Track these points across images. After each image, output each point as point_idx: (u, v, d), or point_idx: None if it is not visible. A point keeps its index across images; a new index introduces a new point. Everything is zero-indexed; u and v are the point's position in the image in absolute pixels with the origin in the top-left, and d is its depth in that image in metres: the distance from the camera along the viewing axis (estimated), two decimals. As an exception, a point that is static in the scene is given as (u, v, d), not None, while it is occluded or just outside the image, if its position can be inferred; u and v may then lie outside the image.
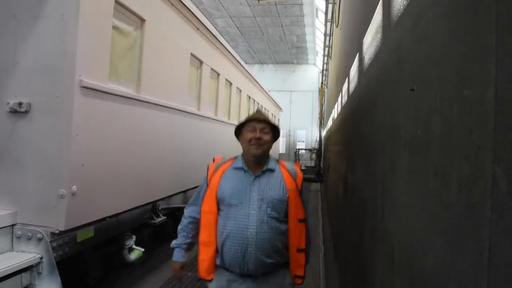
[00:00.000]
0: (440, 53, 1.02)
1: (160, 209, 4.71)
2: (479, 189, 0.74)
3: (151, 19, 4.12)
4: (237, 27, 17.22)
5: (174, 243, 2.22)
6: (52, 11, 2.96)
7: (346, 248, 3.41)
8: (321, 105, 17.94)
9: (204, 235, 2.05)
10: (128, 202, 3.87)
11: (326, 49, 13.18)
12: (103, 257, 3.92)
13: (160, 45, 4.41)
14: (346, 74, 4.35)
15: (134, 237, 4.08)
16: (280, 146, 21.53)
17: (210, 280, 2.05)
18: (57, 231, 2.89)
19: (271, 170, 2.08)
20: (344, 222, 3.79)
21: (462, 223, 0.81)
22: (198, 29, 5.63)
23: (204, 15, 6.23)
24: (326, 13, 10.57)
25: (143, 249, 4.23)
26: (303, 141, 23.39)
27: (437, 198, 0.98)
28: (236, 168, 2.10)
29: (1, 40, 3.06)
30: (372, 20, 2.30)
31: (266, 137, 2.09)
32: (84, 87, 3.00)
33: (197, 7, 9.25)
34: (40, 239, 2.86)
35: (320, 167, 16.87)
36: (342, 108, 5.12)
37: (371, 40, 2.37)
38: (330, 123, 10.10)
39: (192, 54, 5.47)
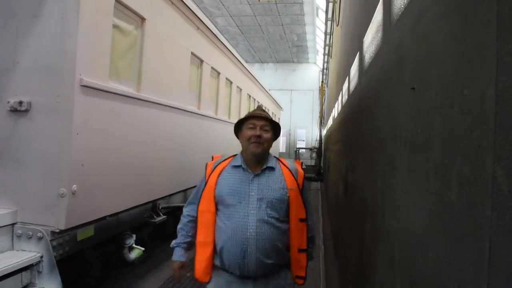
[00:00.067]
0: (441, 52, 1.02)
1: (160, 208, 4.71)
2: (480, 188, 0.73)
3: (151, 18, 4.12)
4: (238, 26, 17.21)
5: (173, 242, 2.17)
6: (52, 10, 2.96)
7: (346, 247, 3.41)
8: (322, 104, 17.94)
9: (201, 235, 2.01)
10: (128, 201, 3.87)
11: (327, 48, 13.17)
12: (103, 256, 3.93)
13: (160, 44, 4.41)
14: (347, 73, 4.35)
15: (134, 236, 4.09)
16: (280, 145, 21.52)
17: (208, 282, 2.00)
18: (57, 230, 2.90)
19: (271, 169, 2.03)
20: (344, 221, 3.79)
21: (463, 222, 0.81)
22: (198, 28, 5.63)
23: (205, 14, 6.23)
24: (326, 12, 10.56)
25: (143, 248, 4.23)
26: (304, 140, 23.38)
27: (437, 197, 0.98)
28: (235, 167, 2.04)
29: (1, 39, 3.06)
30: (373, 19, 2.30)
31: (267, 135, 2.03)
32: (85, 86, 3.00)
33: (198, 6, 9.24)
34: (40, 238, 2.87)
35: (320, 166, 16.87)
36: (343, 107, 5.12)
37: (371, 39, 2.37)
38: (330, 122, 10.10)
39: (192, 53, 5.47)
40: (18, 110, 2.96)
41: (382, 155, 1.82)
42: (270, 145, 2.08)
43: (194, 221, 2.10)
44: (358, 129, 2.99)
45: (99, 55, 3.25)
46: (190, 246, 2.18)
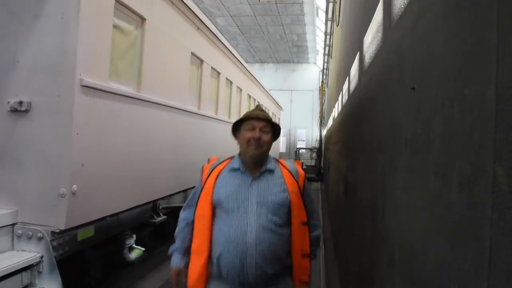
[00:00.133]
0: (441, 52, 1.02)
1: (160, 208, 4.71)
2: (480, 189, 0.73)
3: (151, 18, 4.12)
4: (238, 26, 17.21)
5: (171, 249, 2.08)
6: (52, 10, 2.96)
7: (346, 247, 3.41)
8: (322, 104, 17.94)
9: (195, 242, 1.90)
10: (128, 201, 3.87)
11: (327, 48, 13.17)
12: (104, 256, 3.93)
13: (160, 44, 4.41)
14: (347, 73, 4.35)
15: (134, 236, 4.09)
16: (280, 145, 21.53)
17: None
18: (57, 230, 2.90)
19: (271, 171, 1.94)
20: (344, 221, 3.79)
21: (463, 223, 0.81)
22: (198, 28, 5.63)
23: (205, 14, 6.24)
24: (326, 12, 10.56)
25: (143, 248, 4.23)
26: (304, 140, 23.39)
27: (437, 197, 0.98)
28: (233, 169, 1.94)
29: (1, 39, 3.06)
30: (373, 19, 2.30)
31: (266, 137, 1.94)
32: (85, 86, 3.00)
33: (198, 6, 9.24)
34: (40, 238, 2.87)
35: (321, 166, 16.87)
36: (343, 107, 5.12)
37: (371, 39, 2.37)
38: (330, 122, 10.10)
39: (192, 53, 5.47)
40: (18, 110, 2.96)
41: (382, 155, 1.82)
42: (270, 147, 1.99)
43: (190, 225, 1.98)
44: (358, 129, 2.99)
45: (99, 55, 3.25)
46: (188, 251, 2.02)
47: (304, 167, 17.13)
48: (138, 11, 3.88)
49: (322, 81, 18.12)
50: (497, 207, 0.66)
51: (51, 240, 2.88)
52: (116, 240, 3.90)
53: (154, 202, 4.57)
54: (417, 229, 1.16)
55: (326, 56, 14.89)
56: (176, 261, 2.03)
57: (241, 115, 2.08)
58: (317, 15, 15.21)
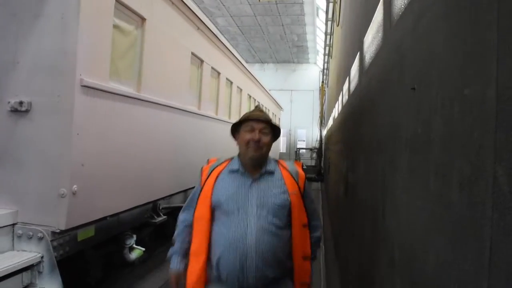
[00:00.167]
0: (441, 52, 1.02)
1: (160, 208, 4.71)
2: (480, 189, 0.73)
3: (151, 18, 4.12)
4: (238, 26, 17.21)
5: (170, 251, 2.05)
6: (52, 10, 2.97)
7: (346, 247, 3.41)
8: (322, 104, 17.94)
9: (194, 244, 1.87)
10: (128, 201, 3.87)
11: (327, 48, 13.17)
12: (104, 257, 3.93)
13: (160, 44, 4.41)
14: (347, 73, 4.35)
15: (134, 236, 4.09)
16: (280, 145, 21.53)
17: None
18: (57, 230, 2.90)
19: (271, 172, 1.92)
20: (344, 221, 3.79)
21: (463, 223, 0.81)
22: (198, 28, 5.63)
23: (205, 14, 6.24)
24: (326, 12, 10.56)
25: (143, 249, 4.23)
26: (304, 140, 23.39)
27: (438, 197, 0.98)
28: (232, 171, 1.92)
29: (2, 39, 3.06)
30: (373, 19, 2.30)
31: (266, 139, 1.91)
32: (85, 86, 3.00)
33: (198, 6, 9.25)
34: (40, 238, 2.87)
35: (321, 166, 16.87)
36: (343, 107, 5.12)
37: (372, 39, 2.37)
38: (330, 122, 10.10)
39: (192, 53, 5.47)
40: (19, 111, 2.96)
41: (382, 155, 1.82)
42: (269, 148, 1.97)
43: (190, 227, 1.96)
44: (358, 129, 2.99)
45: (100, 55, 3.25)
46: (188, 253, 2.00)
47: (304, 167, 17.14)
48: (138, 11, 3.88)
49: (322, 81, 18.13)
50: (497, 207, 0.66)
51: (51, 240, 2.88)
52: (116, 240, 3.90)
53: (154, 202, 4.57)
54: (417, 229, 1.16)
55: (326, 56, 14.89)
56: (175, 263, 2.01)
57: (241, 115, 2.06)
58: (317, 15, 15.21)
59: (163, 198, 4.79)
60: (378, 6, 2.10)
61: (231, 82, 8.10)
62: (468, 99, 0.81)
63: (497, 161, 0.67)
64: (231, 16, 15.95)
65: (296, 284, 1.92)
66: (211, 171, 1.94)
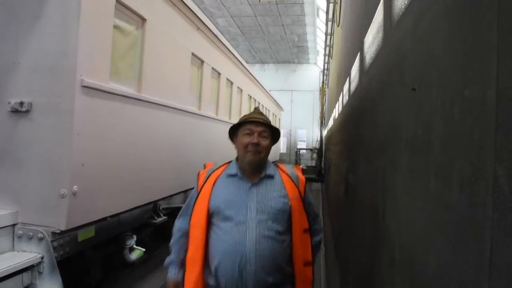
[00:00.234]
0: (441, 53, 1.02)
1: (161, 208, 4.71)
2: (481, 189, 0.73)
3: (152, 18, 4.13)
4: (238, 27, 17.23)
5: (167, 260, 1.99)
6: (53, 10, 2.97)
7: (347, 248, 3.41)
8: (322, 105, 17.94)
9: (190, 251, 1.82)
10: (129, 201, 3.87)
11: (327, 48, 13.17)
12: (104, 257, 3.93)
13: (161, 44, 4.41)
14: (347, 73, 4.35)
15: (135, 237, 4.09)
16: (281, 146, 21.53)
17: None
18: (58, 231, 2.90)
19: (270, 177, 1.86)
20: (345, 222, 3.79)
21: (464, 223, 0.81)
22: (199, 28, 5.64)
23: (205, 15, 6.24)
24: (327, 13, 10.56)
25: (144, 249, 4.24)
26: (304, 141, 23.39)
27: (438, 198, 0.98)
28: (231, 175, 1.86)
29: (2, 40, 3.06)
30: (373, 19, 2.30)
31: (265, 142, 1.86)
32: (85, 86, 3.00)
33: (198, 6, 9.26)
34: (41, 239, 2.87)
35: (321, 167, 16.86)
36: (343, 107, 5.12)
37: (372, 39, 2.37)
38: (331, 122, 10.10)
39: (193, 54, 5.47)
40: (19, 111, 2.97)
41: (382, 156, 1.82)
42: (269, 152, 1.91)
43: (186, 236, 1.90)
44: (358, 130, 2.99)
45: (100, 55, 3.25)
46: (185, 263, 1.94)
47: (305, 167, 17.04)
48: (138, 12, 3.88)
49: (323, 82, 18.12)
50: (497, 208, 0.66)
51: (51, 241, 2.88)
52: (116, 241, 3.90)
53: (155, 202, 4.57)
54: (417, 229, 1.15)
55: (326, 57, 14.89)
56: (173, 273, 1.95)
57: (242, 115, 2.03)
58: (318, 15, 15.22)
59: (163, 199, 4.79)
60: (379, 7, 2.10)
61: (232, 83, 8.10)
62: (468, 99, 0.81)
63: (497, 161, 0.67)
64: (232, 17, 15.96)
65: None
66: (208, 176, 1.89)
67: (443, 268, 0.91)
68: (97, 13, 3.16)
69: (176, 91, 4.94)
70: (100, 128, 3.26)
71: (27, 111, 2.97)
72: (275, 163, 2.03)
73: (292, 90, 23.47)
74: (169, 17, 4.65)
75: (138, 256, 4.15)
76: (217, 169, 1.92)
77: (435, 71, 1.06)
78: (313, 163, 19.55)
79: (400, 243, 1.37)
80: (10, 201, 2.98)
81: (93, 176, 3.19)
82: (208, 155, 6.32)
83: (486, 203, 0.71)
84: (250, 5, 14.50)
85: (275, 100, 15.41)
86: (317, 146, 18.92)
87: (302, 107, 23.27)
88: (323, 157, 16.49)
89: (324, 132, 16.17)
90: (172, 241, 1.98)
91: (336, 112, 7.42)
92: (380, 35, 2.04)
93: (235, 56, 7.90)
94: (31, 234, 2.89)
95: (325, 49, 14.37)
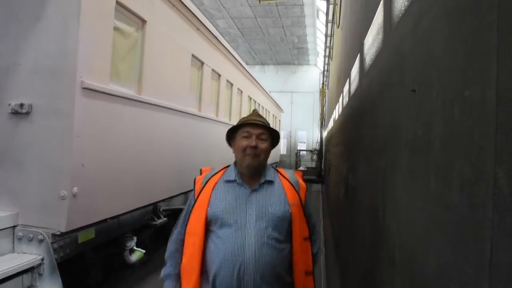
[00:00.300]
0: (441, 54, 1.02)
1: (161, 210, 4.71)
2: (481, 190, 0.73)
3: (152, 20, 4.13)
4: (238, 28, 17.25)
5: (163, 273, 1.92)
6: (53, 12, 2.97)
7: (346, 248, 3.41)
8: (322, 106, 17.95)
9: (184, 260, 1.75)
10: (129, 203, 3.87)
11: (327, 50, 13.19)
12: (104, 259, 3.93)
13: (161, 46, 4.41)
14: (347, 75, 4.35)
15: (135, 238, 4.08)
16: (281, 147, 21.53)
17: None
18: (58, 233, 2.90)
19: (270, 182, 1.80)
20: (345, 223, 3.78)
21: (464, 224, 0.81)
22: (199, 29, 5.64)
23: (205, 16, 6.24)
24: (327, 14, 10.58)
25: (144, 251, 4.23)
26: (304, 142, 23.40)
27: (438, 199, 0.98)
28: (229, 181, 1.80)
29: (2, 41, 3.06)
30: (373, 21, 2.30)
31: (264, 145, 1.80)
32: (85, 88, 3.00)
33: (198, 8, 9.27)
34: (41, 241, 2.87)
35: (321, 168, 16.86)
36: (343, 109, 5.12)
37: (372, 41, 2.37)
38: (331, 124, 10.10)
39: (193, 55, 5.48)
40: (19, 113, 2.97)
41: (383, 156, 1.82)
42: (268, 156, 1.85)
43: (182, 248, 1.81)
44: (359, 131, 2.99)
45: (100, 57, 3.25)
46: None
47: (305, 168, 17.02)
48: (138, 13, 3.89)
49: (323, 83, 18.14)
50: (497, 209, 0.66)
51: (51, 243, 2.88)
52: (116, 242, 3.90)
53: (155, 204, 4.56)
54: (417, 230, 1.15)
55: (326, 58, 14.91)
56: (170, 286, 1.89)
57: (242, 117, 2.01)
58: (318, 17, 15.24)
59: (163, 200, 4.79)
60: (378, 8, 2.11)
61: (232, 84, 8.11)
62: (468, 100, 0.81)
63: (497, 163, 0.67)
64: (232, 18, 15.98)
65: None
66: (206, 182, 1.82)
67: (443, 268, 0.91)
68: (97, 14, 3.16)
69: (176, 93, 4.95)
70: (100, 130, 3.27)
71: (27, 113, 2.97)
72: (274, 167, 1.97)
73: (292, 92, 23.48)
74: (169, 19, 4.65)
75: (138, 258, 4.15)
76: (214, 174, 1.86)
77: (435, 72, 1.06)
78: (313, 165, 19.55)
79: (400, 244, 1.37)
80: (10, 202, 2.98)
81: (93, 178, 3.19)
82: (208, 156, 6.32)
83: (486, 204, 0.71)
84: (250, 6, 14.52)
85: (275, 102, 15.42)
86: (317, 147, 18.93)
87: (302, 108, 23.28)
88: (323, 158, 16.49)
89: (324, 134, 16.17)
90: (167, 253, 1.90)
91: (336, 114, 7.42)
92: (380, 36, 2.05)
93: (235, 58, 7.91)
94: (31, 235, 2.88)
95: (325, 50, 14.39)
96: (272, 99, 14.68)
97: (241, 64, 8.54)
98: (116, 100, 3.49)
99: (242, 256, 1.63)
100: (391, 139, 1.63)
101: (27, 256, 2.84)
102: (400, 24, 1.52)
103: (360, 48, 3.02)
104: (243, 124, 1.83)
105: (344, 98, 5.04)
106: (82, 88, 2.97)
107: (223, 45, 6.90)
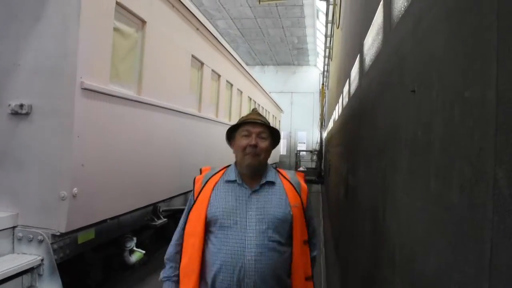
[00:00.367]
0: (441, 54, 1.02)
1: (161, 211, 4.70)
2: (481, 191, 0.73)
3: (152, 20, 4.13)
4: (238, 29, 17.25)
5: (162, 275, 1.88)
6: (53, 12, 2.97)
7: (347, 249, 3.41)
8: (322, 107, 17.95)
9: (183, 261, 1.72)
10: (129, 204, 3.87)
11: (327, 50, 13.19)
12: (104, 259, 3.92)
13: (161, 46, 4.41)
14: (347, 75, 4.35)
15: (135, 239, 4.08)
16: (281, 147, 21.53)
17: None
18: (58, 233, 2.89)
19: (271, 183, 1.77)
20: (345, 223, 3.78)
21: (464, 225, 0.81)
22: (198, 30, 5.64)
23: (205, 17, 6.25)
24: (327, 15, 10.58)
25: (144, 251, 4.23)
26: (304, 143, 23.41)
27: (438, 199, 0.98)
28: (229, 181, 1.77)
29: (2, 41, 3.06)
30: (373, 21, 2.30)
31: (264, 144, 1.76)
32: (85, 89, 3.00)
33: (198, 8, 9.27)
34: (41, 241, 2.86)
35: (321, 168, 16.86)
36: (343, 109, 5.12)
37: (372, 41, 2.37)
38: (331, 124, 10.10)
39: (193, 56, 5.48)
40: (19, 113, 2.96)
41: (383, 157, 1.82)
42: (268, 155, 1.82)
43: (181, 251, 1.79)
44: (358, 131, 2.99)
45: (100, 57, 3.25)
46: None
47: (304, 168, 17.00)
48: (138, 14, 3.89)
49: (323, 83, 18.14)
50: (497, 210, 0.66)
51: (51, 243, 2.88)
52: (116, 243, 3.90)
53: (155, 204, 4.56)
54: (417, 230, 1.15)
55: (326, 59, 14.91)
56: None
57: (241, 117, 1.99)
58: (318, 17, 15.25)
59: (163, 201, 4.79)
60: (378, 9, 2.11)
61: (232, 85, 8.11)
62: (468, 101, 0.81)
63: (497, 163, 0.67)
64: (231, 19, 15.99)
65: None
66: (206, 182, 1.79)
67: (443, 269, 0.91)
68: (97, 15, 3.16)
69: (176, 93, 4.95)
70: (100, 130, 3.26)
71: (27, 114, 2.97)
72: (275, 168, 1.95)
73: (292, 92, 23.49)
74: (169, 19, 4.65)
75: (138, 258, 4.14)
76: (214, 174, 1.82)
77: (435, 72, 1.06)
78: (313, 165, 19.56)
79: (400, 244, 1.37)
80: (10, 203, 2.98)
81: (93, 178, 3.19)
82: (208, 156, 6.32)
83: (486, 205, 0.71)
84: (250, 7, 14.53)
85: (275, 102, 15.42)
86: (317, 148, 18.93)
87: (302, 109, 23.29)
88: (323, 158, 16.49)
89: (324, 134, 16.18)
90: (167, 255, 1.86)
91: (336, 114, 7.42)
92: (380, 37, 2.05)
93: (235, 58, 7.91)
94: (31, 236, 2.88)
95: (325, 51, 14.40)
96: (272, 99, 14.69)
97: (241, 65, 8.55)
98: (116, 101, 3.49)
99: (243, 258, 1.61)
100: (391, 140, 1.63)
101: (27, 256, 2.83)
102: (400, 25, 1.52)
103: (360, 49, 3.02)
104: (242, 123, 1.80)
105: (344, 99, 5.04)
106: (82, 88, 2.97)
107: (223, 46, 6.90)
